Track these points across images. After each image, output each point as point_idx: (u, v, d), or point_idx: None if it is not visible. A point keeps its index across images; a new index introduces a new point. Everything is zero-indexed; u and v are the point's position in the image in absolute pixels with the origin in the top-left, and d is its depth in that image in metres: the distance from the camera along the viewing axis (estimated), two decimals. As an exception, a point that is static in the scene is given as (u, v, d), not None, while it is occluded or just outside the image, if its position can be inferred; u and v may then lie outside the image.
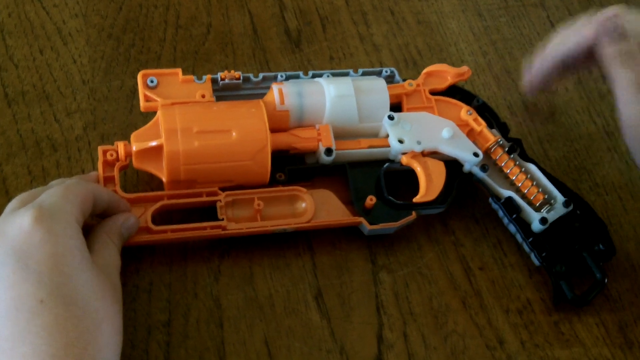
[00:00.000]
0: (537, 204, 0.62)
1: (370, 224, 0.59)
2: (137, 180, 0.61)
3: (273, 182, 0.60)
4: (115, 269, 0.52)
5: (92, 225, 0.54)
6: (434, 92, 0.66)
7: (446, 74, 0.67)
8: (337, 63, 0.73)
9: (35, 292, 0.45)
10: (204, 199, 0.58)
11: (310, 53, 0.73)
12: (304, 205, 0.59)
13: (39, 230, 0.46)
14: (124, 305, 0.54)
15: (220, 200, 0.57)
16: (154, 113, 0.59)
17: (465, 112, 0.65)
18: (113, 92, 0.66)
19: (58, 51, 0.68)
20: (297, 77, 0.64)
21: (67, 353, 0.44)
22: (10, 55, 0.67)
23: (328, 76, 0.64)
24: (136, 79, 0.61)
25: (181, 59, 0.70)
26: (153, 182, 0.60)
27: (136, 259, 0.57)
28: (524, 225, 0.62)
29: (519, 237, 0.62)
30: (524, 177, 0.63)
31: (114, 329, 0.48)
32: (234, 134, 0.57)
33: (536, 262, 0.61)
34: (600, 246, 0.62)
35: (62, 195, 0.50)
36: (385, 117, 0.62)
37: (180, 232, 0.56)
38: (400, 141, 0.62)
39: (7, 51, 0.67)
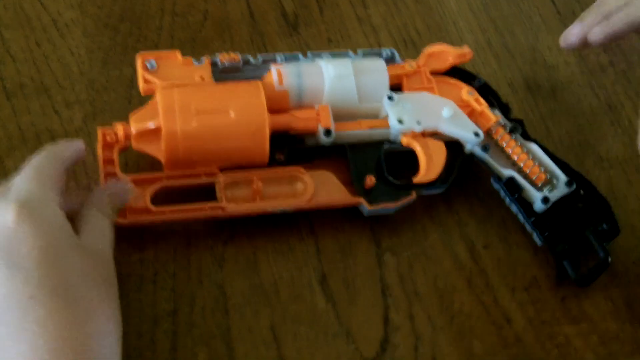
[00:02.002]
0: (540, 184, 0.62)
1: (370, 204, 0.59)
2: (138, 163, 0.60)
3: (272, 162, 0.59)
4: (107, 245, 0.51)
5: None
6: (434, 73, 0.66)
7: (447, 54, 0.67)
8: (335, 45, 0.72)
9: (24, 288, 0.44)
10: (203, 179, 0.58)
11: (308, 36, 0.73)
12: (303, 185, 0.59)
13: (22, 226, 0.45)
14: (128, 295, 0.55)
15: (219, 181, 0.57)
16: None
17: (466, 92, 0.65)
18: (111, 82, 0.66)
19: (55, 43, 0.67)
20: (297, 58, 0.64)
21: (64, 345, 0.44)
22: (7, 48, 0.66)
23: (327, 57, 0.64)
24: (134, 68, 0.61)
25: (179, 47, 0.69)
26: (154, 165, 0.59)
27: (139, 249, 0.57)
28: (526, 205, 0.61)
29: (520, 217, 0.62)
30: (525, 156, 0.63)
31: (110, 313, 0.47)
32: (232, 113, 0.57)
33: (538, 241, 0.61)
34: (604, 226, 0.61)
35: (36, 179, 0.49)
36: (385, 98, 0.62)
37: (180, 212, 0.56)
38: (400, 121, 0.61)
39: (4, 44, 0.66)
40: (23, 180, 0.49)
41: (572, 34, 0.69)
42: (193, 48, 0.70)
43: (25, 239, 0.45)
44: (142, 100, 0.60)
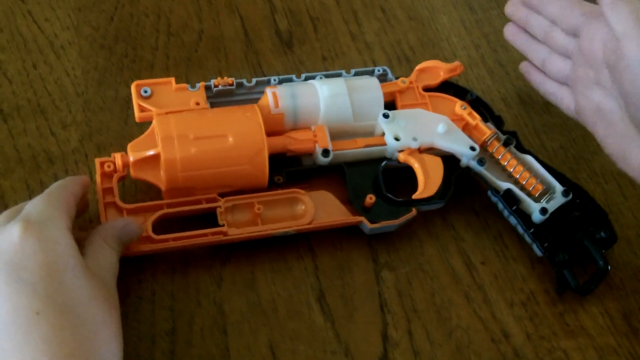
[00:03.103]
0: (537, 195, 0.62)
1: (371, 222, 0.59)
2: (135, 190, 0.61)
3: (271, 185, 0.60)
4: (111, 274, 0.51)
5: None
6: (427, 89, 0.66)
7: (438, 69, 0.67)
8: (329, 63, 0.73)
9: (31, 303, 0.44)
10: (204, 205, 0.58)
11: (303, 54, 0.73)
12: (303, 207, 0.59)
13: (29, 241, 0.46)
14: (127, 316, 0.55)
15: (220, 206, 0.57)
16: (149, 123, 0.59)
17: (459, 106, 0.65)
18: (107, 103, 0.66)
19: (51, 64, 0.68)
20: (290, 80, 0.64)
21: None
22: (4, 70, 0.67)
23: (321, 77, 0.64)
24: (130, 88, 0.61)
25: (174, 67, 0.70)
26: (151, 192, 0.60)
27: (138, 269, 0.57)
28: (524, 216, 0.62)
29: (520, 229, 0.62)
30: (521, 168, 0.63)
31: (112, 334, 0.47)
32: (230, 138, 0.57)
33: (538, 252, 0.61)
34: (602, 234, 0.62)
35: (46, 202, 0.50)
36: (380, 115, 0.62)
37: (182, 240, 0.56)
38: (397, 138, 0.62)
39: (1, 66, 0.67)
40: (34, 202, 0.50)
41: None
42: (188, 67, 0.70)
43: (32, 255, 0.46)
44: (137, 121, 0.60)
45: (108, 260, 0.51)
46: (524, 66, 0.70)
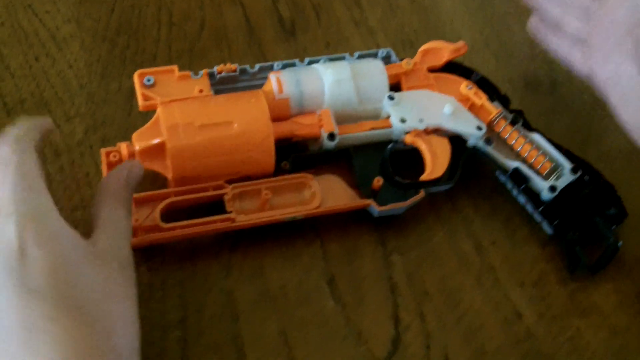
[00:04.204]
0: (545, 173, 0.62)
1: (379, 205, 0.59)
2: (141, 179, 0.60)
3: (278, 171, 0.59)
4: (125, 240, 0.49)
5: None
6: (432, 70, 0.66)
7: (443, 50, 0.66)
8: (333, 49, 0.72)
9: (42, 310, 0.42)
10: (211, 193, 0.57)
11: (306, 41, 0.73)
12: (311, 191, 0.59)
13: (28, 243, 0.42)
14: (138, 305, 0.54)
15: (227, 193, 0.57)
16: (153, 114, 0.59)
17: (465, 86, 0.65)
18: (111, 95, 0.66)
19: (53, 57, 0.67)
20: (294, 65, 0.64)
21: None
22: (7, 64, 0.66)
23: (324, 61, 0.64)
24: (133, 80, 0.61)
25: (177, 58, 0.70)
26: (157, 181, 0.59)
27: (147, 258, 0.57)
28: (533, 195, 0.61)
29: (529, 208, 0.62)
30: (529, 147, 0.63)
31: (129, 325, 0.46)
32: (236, 125, 0.57)
33: (548, 230, 0.61)
34: (611, 210, 0.61)
35: (23, 185, 0.45)
36: (386, 98, 0.62)
37: (190, 227, 0.56)
38: (403, 120, 0.61)
39: (3, 61, 0.67)
40: (11, 189, 0.44)
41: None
42: (191, 58, 0.70)
43: (36, 260, 0.42)
44: (142, 112, 0.60)
45: (121, 226, 0.49)
46: (533, 23, 0.67)
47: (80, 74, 0.67)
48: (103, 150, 0.58)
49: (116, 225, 0.49)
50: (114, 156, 0.57)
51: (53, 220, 0.45)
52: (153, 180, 0.60)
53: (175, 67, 0.61)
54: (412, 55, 0.69)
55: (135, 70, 0.64)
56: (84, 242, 0.46)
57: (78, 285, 0.44)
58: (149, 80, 0.59)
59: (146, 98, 0.59)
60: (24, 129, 0.49)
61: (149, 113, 0.59)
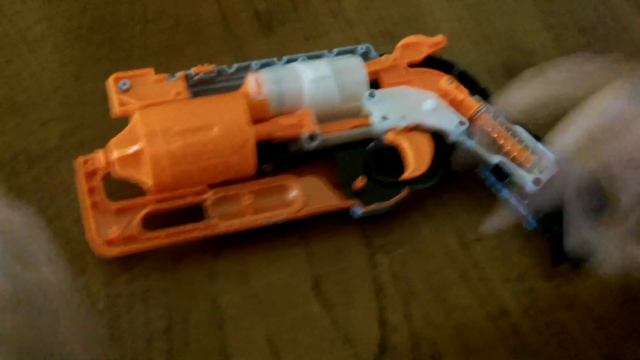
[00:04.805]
0: (528, 165, 0.62)
1: (364, 205, 0.59)
2: (118, 186, 0.59)
3: (260, 173, 0.58)
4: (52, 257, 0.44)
5: None
6: (411, 64, 0.65)
7: (422, 44, 0.66)
8: (312, 43, 0.71)
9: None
10: (193, 198, 0.56)
11: (284, 35, 0.72)
12: (293, 194, 0.58)
13: None
14: (120, 316, 0.54)
15: (208, 199, 0.56)
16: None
17: (445, 81, 0.64)
18: (86, 96, 0.65)
19: (25, 59, 0.66)
20: (272, 64, 0.63)
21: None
22: (-23, 68, 0.65)
23: (303, 59, 0.63)
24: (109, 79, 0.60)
25: (153, 55, 0.68)
26: (135, 187, 0.58)
27: (127, 268, 0.56)
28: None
29: (513, 202, 0.61)
30: (512, 140, 0.62)
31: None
32: (215, 129, 0.56)
33: (533, 224, 0.61)
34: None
35: None
36: (366, 95, 0.61)
37: (172, 236, 0.55)
38: (384, 118, 0.61)
39: (-27, 65, 0.65)
40: None
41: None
42: (167, 55, 0.68)
43: None
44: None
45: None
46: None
47: (53, 75, 0.65)
48: (80, 159, 0.57)
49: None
50: (92, 164, 0.56)
51: None
52: (130, 186, 0.59)
53: (151, 70, 0.59)
54: (392, 48, 0.68)
55: (111, 69, 0.63)
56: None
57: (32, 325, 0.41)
58: (124, 84, 0.58)
59: (122, 103, 0.58)
60: None
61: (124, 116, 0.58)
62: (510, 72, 0.71)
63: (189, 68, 0.61)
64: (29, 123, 0.62)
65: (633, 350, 0.58)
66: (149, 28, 0.70)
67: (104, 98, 0.64)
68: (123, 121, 0.60)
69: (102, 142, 0.60)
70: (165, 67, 0.67)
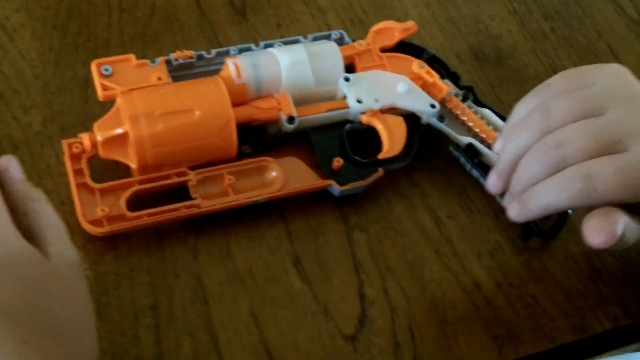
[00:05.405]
0: (496, 147, 0.64)
1: (340, 185, 0.61)
2: (102, 168, 0.61)
3: (240, 155, 0.60)
4: (68, 240, 0.48)
5: None
6: (383, 50, 0.67)
7: (393, 30, 0.68)
8: (285, 30, 0.73)
9: (16, 333, 0.41)
10: (175, 179, 0.58)
11: (257, 22, 0.73)
12: (273, 174, 0.60)
13: None
14: (107, 293, 0.55)
15: (191, 179, 0.58)
16: (112, 102, 0.59)
17: (416, 65, 0.66)
18: (66, 83, 0.66)
19: (5, 48, 0.67)
20: (249, 49, 0.65)
21: None
22: (-43, 57, 0.66)
23: (280, 45, 0.65)
24: (87, 67, 0.61)
25: (130, 43, 0.70)
26: (119, 169, 0.60)
27: (113, 247, 0.57)
28: (486, 168, 0.63)
29: (482, 181, 0.64)
30: (480, 122, 0.65)
31: (92, 338, 0.46)
32: (197, 112, 0.58)
33: (503, 203, 0.63)
34: None
35: None
36: (341, 79, 0.63)
37: (156, 215, 0.57)
38: (359, 101, 0.63)
39: (-47, 53, 0.66)
40: None
41: (491, 186, 0.61)
42: (144, 43, 0.70)
43: (6, 284, 0.42)
44: (100, 99, 0.60)
45: (59, 226, 0.48)
46: None
47: (33, 63, 0.66)
48: (65, 142, 0.58)
49: (56, 228, 0.48)
50: (77, 147, 0.58)
51: (14, 241, 0.44)
52: (115, 167, 0.60)
53: (132, 56, 0.61)
54: (362, 33, 0.70)
55: (89, 57, 0.65)
56: (42, 260, 0.45)
57: (45, 306, 0.43)
58: (106, 70, 0.60)
59: (105, 88, 0.59)
60: None
61: (107, 100, 0.60)
62: (478, 56, 0.74)
63: (166, 54, 0.62)
64: (11, 110, 0.63)
65: (601, 321, 0.60)
66: (125, 16, 0.71)
67: (83, 85, 0.66)
68: (103, 107, 0.61)
69: (83, 127, 0.62)
70: (143, 54, 0.69)
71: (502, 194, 0.60)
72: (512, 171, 0.57)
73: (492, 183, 0.60)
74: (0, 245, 0.44)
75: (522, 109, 0.59)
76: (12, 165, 0.50)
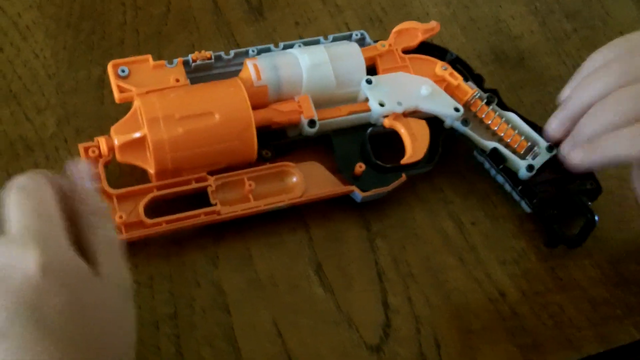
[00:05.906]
0: (522, 152, 0.63)
1: (362, 190, 0.59)
2: (120, 173, 0.59)
3: (260, 159, 0.59)
4: (122, 261, 0.46)
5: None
6: (406, 51, 0.66)
7: (416, 31, 0.66)
8: (302, 28, 0.71)
9: (55, 350, 0.39)
10: (194, 185, 0.57)
11: (275, 20, 0.72)
12: (294, 179, 0.59)
13: (49, 278, 0.40)
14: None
15: (210, 185, 0.57)
16: (128, 103, 0.58)
17: (440, 67, 0.65)
18: (81, 84, 0.64)
19: (18, 47, 0.65)
20: (268, 50, 0.63)
21: None
22: (-31, 56, 0.64)
23: (300, 46, 0.63)
24: (102, 67, 0.60)
25: (144, 42, 0.68)
26: (136, 174, 0.58)
27: (132, 254, 0.55)
28: (511, 174, 0.62)
29: (507, 187, 0.62)
30: (505, 126, 0.63)
31: (131, 346, 0.44)
32: (216, 115, 0.56)
33: (527, 209, 0.62)
34: (587, 186, 0.63)
35: (39, 212, 0.42)
36: (364, 81, 0.62)
37: (175, 222, 0.55)
38: (381, 104, 0.61)
39: (-35, 52, 0.64)
40: (28, 215, 0.42)
41: (552, 130, 0.61)
42: (159, 42, 0.68)
43: (53, 294, 0.40)
44: (114, 100, 0.58)
45: (116, 246, 0.46)
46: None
47: (47, 63, 0.65)
48: (81, 146, 0.56)
49: (111, 247, 0.46)
50: (93, 151, 0.56)
51: (66, 252, 0.42)
52: (131, 172, 0.59)
53: (149, 57, 0.59)
54: (381, 32, 0.69)
55: (103, 57, 0.63)
56: (91, 275, 0.43)
57: (89, 322, 0.41)
58: (123, 71, 0.58)
59: (122, 90, 0.58)
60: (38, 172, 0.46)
61: (123, 102, 0.58)
62: (499, 57, 0.73)
63: (182, 54, 0.61)
64: (25, 110, 0.62)
65: (629, 331, 0.59)
66: (140, 15, 0.70)
67: (98, 85, 0.64)
68: (118, 108, 0.60)
69: (98, 129, 0.60)
70: (158, 53, 0.67)
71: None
72: (579, 118, 0.57)
73: (555, 128, 0.60)
74: (57, 256, 0.41)
75: (598, 59, 0.58)
76: (83, 172, 0.48)
